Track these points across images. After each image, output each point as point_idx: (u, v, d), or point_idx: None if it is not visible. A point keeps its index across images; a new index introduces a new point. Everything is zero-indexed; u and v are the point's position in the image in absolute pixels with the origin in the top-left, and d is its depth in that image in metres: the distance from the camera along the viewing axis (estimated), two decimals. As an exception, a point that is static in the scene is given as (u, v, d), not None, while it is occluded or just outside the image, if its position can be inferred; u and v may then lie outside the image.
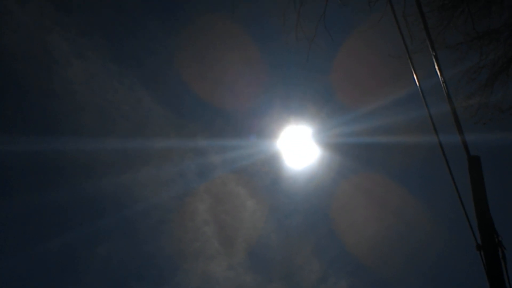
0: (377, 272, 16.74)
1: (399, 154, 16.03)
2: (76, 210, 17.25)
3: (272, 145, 16.62)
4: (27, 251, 15.96)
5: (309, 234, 18.38)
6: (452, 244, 15.54)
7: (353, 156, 16.63)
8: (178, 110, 18.27)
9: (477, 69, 7.84)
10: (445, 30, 7.63)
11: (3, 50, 15.31)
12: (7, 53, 15.36)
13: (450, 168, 4.87)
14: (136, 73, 17.48)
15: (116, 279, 16.83)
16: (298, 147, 16.22)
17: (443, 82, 4.75)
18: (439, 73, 4.70)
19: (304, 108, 16.71)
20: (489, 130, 8.34)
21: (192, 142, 17.49)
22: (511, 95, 7.84)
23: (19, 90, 16.32)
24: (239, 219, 18.18)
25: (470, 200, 4.97)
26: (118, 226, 17.38)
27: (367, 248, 16.79)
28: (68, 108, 16.56)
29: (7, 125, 16.03)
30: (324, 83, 16.32)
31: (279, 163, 17.17)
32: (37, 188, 16.46)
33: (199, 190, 17.84)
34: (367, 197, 17.29)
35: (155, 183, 17.50)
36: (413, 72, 4.58)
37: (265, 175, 17.79)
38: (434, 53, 4.58)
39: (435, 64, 4.65)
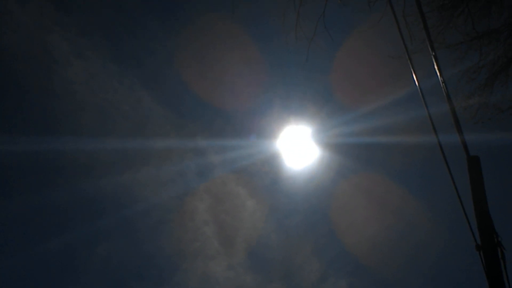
0: (377, 272, 16.76)
1: (398, 154, 16.04)
2: (76, 210, 17.27)
3: (272, 145, 16.64)
4: (27, 251, 15.98)
5: (309, 234, 18.40)
6: (452, 244, 15.56)
7: (353, 156, 16.64)
8: (178, 110, 18.29)
9: (477, 69, 7.84)
10: (445, 30, 7.63)
11: (3, 50, 15.33)
12: (7, 53, 15.37)
13: (449, 168, 4.87)
14: (136, 73, 17.50)
15: (116, 279, 16.85)
16: (298, 147, 16.23)
17: (442, 82, 4.75)
18: (438, 73, 4.70)
19: (304, 108, 16.72)
20: (488, 130, 8.35)
21: (192, 142, 17.51)
22: (511, 95, 7.84)
23: (19, 90, 16.34)
24: (239, 219, 18.19)
25: (470, 200, 4.97)
26: (118, 226, 17.39)
27: (367, 248, 16.80)
28: (68, 108, 16.58)
29: (7, 125, 16.06)
30: (324, 83, 16.33)
31: (279, 163, 17.18)
32: (37, 188, 16.48)
33: (199, 190, 17.86)
34: (367, 197, 17.31)
35: (155, 183, 17.52)
36: (413, 72, 4.58)
37: (265, 175, 17.81)
38: (433, 53, 4.58)
39: (435, 64, 4.66)
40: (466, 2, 7.34)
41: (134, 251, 17.55)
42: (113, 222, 17.10)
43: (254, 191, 18.01)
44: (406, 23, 6.87)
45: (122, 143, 16.85)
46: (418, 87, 4.61)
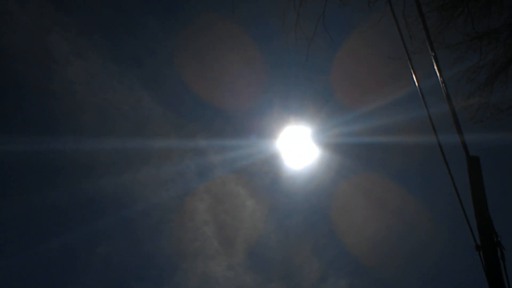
0: (377, 272, 16.76)
1: (398, 154, 16.05)
2: (76, 210, 17.27)
3: (272, 145, 16.64)
4: (27, 251, 15.99)
5: (309, 234, 18.40)
6: (452, 244, 15.56)
7: (353, 156, 16.64)
8: (178, 110, 18.29)
9: (477, 69, 7.85)
10: (445, 30, 7.63)
11: (3, 50, 15.33)
12: (7, 53, 15.38)
13: (449, 168, 4.87)
14: (136, 73, 17.50)
15: (116, 279, 16.85)
16: (298, 147, 16.23)
17: (442, 82, 4.75)
18: (438, 73, 4.70)
19: (304, 108, 16.72)
20: (488, 130, 8.36)
21: (192, 142, 17.51)
22: (511, 95, 7.84)
23: (19, 90, 16.34)
24: (238, 219, 18.19)
25: (470, 200, 4.98)
26: (118, 226, 17.39)
27: (367, 248, 16.80)
28: (68, 108, 16.58)
29: (7, 125, 16.06)
30: (323, 83, 16.33)
31: (279, 163, 17.19)
32: (37, 188, 16.48)
33: (199, 190, 17.86)
34: (367, 197, 17.30)
35: (155, 183, 17.52)
36: (413, 72, 4.58)
37: (265, 175, 17.81)
38: (433, 53, 4.58)
39: (435, 64, 4.66)
40: (466, 2, 7.34)
41: (134, 251, 17.57)
42: (113, 222, 17.12)
43: (254, 191, 18.03)
44: (406, 23, 6.89)
45: (122, 143, 16.86)
46: (418, 87, 4.62)
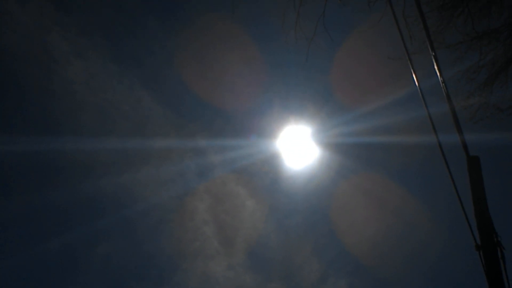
0: (377, 272, 16.76)
1: (398, 154, 16.05)
2: (76, 210, 17.27)
3: (272, 145, 16.64)
4: (27, 251, 15.99)
5: (309, 234, 18.40)
6: (452, 244, 15.56)
7: (353, 156, 16.64)
8: (178, 110, 18.29)
9: (477, 69, 7.85)
10: (445, 30, 7.63)
11: (3, 50, 15.34)
12: (7, 53, 15.38)
13: (449, 168, 4.88)
14: (136, 73, 17.51)
15: (116, 279, 16.85)
16: (298, 147, 16.24)
17: (442, 82, 4.75)
18: (438, 73, 4.70)
19: (304, 108, 16.72)
20: (488, 130, 8.36)
21: (192, 142, 17.51)
22: (511, 95, 7.85)
23: (19, 90, 16.34)
24: (238, 219, 18.19)
25: (470, 200, 4.98)
26: (118, 226, 17.39)
27: (367, 248, 16.80)
28: (68, 108, 16.58)
29: (7, 125, 16.06)
30: (323, 83, 16.34)
31: (279, 163, 17.19)
32: (37, 188, 16.48)
33: (199, 190, 17.86)
34: (367, 197, 17.30)
35: (155, 183, 17.52)
36: (413, 72, 4.58)
37: (265, 175, 17.81)
38: (433, 53, 4.58)
39: (435, 64, 4.66)
40: (466, 2, 7.34)
41: (134, 251, 17.56)
42: (113, 222, 17.11)
43: (254, 191, 18.03)
44: (406, 23, 6.88)
45: (122, 143, 16.86)
46: (418, 87, 4.62)
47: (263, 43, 15.96)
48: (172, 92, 18.01)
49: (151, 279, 17.19)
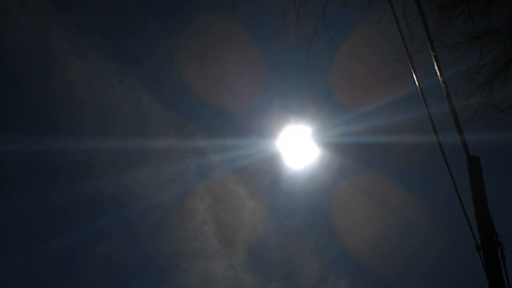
0: (377, 272, 16.76)
1: (398, 154, 16.05)
2: (76, 210, 17.27)
3: (272, 145, 16.64)
4: (27, 251, 15.99)
5: (309, 233, 18.40)
6: (452, 244, 15.56)
7: (353, 156, 16.64)
8: (178, 110, 18.29)
9: (477, 69, 7.85)
10: (445, 30, 7.63)
11: (3, 50, 15.33)
12: (7, 53, 15.37)
13: (449, 168, 4.88)
14: (136, 73, 17.51)
15: (116, 279, 16.86)
16: (298, 147, 16.24)
17: (442, 82, 4.75)
18: (438, 73, 4.70)
19: (304, 108, 16.73)
20: (488, 130, 8.36)
21: (192, 142, 17.51)
22: (511, 95, 7.84)
23: (19, 90, 16.33)
24: (238, 219, 18.20)
25: (470, 200, 4.98)
26: (118, 226, 17.40)
27: (367, 247, 16.81)
28: (68, 108, 16.59)
29: (7, 125, 16.05)
30: (324, 83, 16.34)
31: (279, 163, 17.19)
32: (37, 188, 16.48)
33: (199, 189, 17.86)
34: (367, 197, 17.31)
35: (155, 183, 17.52)
36: (413, 72, 4.58)
37: (265, 175, 17.82)
38: (433, 53, 4.58)
39: (435, 64, 4.66)
40: (466, 2, 7.34)
41: (134, 251, 17.57)
42: (113, 222, 17.12)
43: (254, 191, 18.03)
44: (406, 23, 6.88)
45: (122, 143, 16.86)
46: (418, 87, 4.62)
47: (263, 43, 15.96)
48: (172, 92, 18.02)
49: (151, 279, 17.21)
